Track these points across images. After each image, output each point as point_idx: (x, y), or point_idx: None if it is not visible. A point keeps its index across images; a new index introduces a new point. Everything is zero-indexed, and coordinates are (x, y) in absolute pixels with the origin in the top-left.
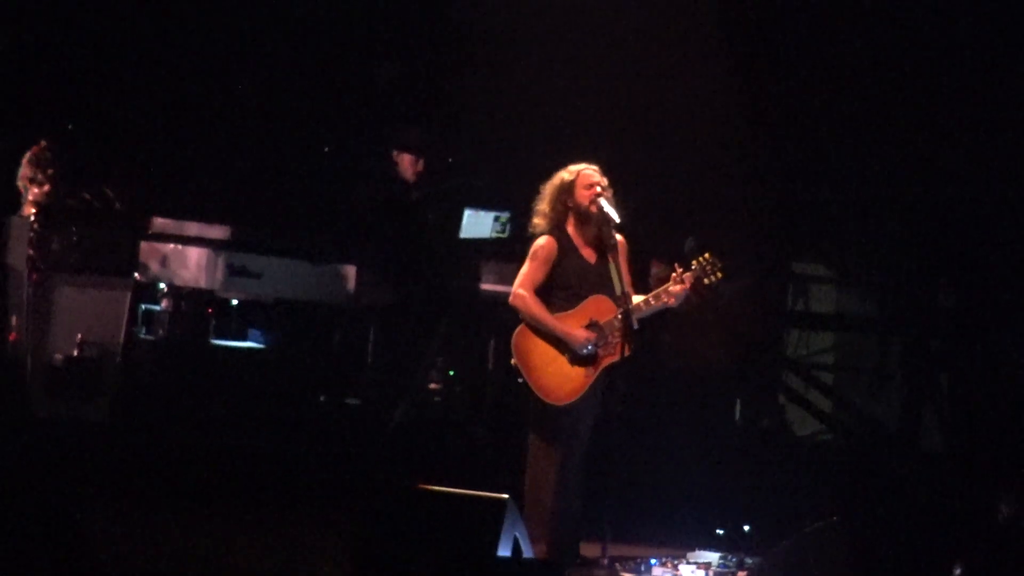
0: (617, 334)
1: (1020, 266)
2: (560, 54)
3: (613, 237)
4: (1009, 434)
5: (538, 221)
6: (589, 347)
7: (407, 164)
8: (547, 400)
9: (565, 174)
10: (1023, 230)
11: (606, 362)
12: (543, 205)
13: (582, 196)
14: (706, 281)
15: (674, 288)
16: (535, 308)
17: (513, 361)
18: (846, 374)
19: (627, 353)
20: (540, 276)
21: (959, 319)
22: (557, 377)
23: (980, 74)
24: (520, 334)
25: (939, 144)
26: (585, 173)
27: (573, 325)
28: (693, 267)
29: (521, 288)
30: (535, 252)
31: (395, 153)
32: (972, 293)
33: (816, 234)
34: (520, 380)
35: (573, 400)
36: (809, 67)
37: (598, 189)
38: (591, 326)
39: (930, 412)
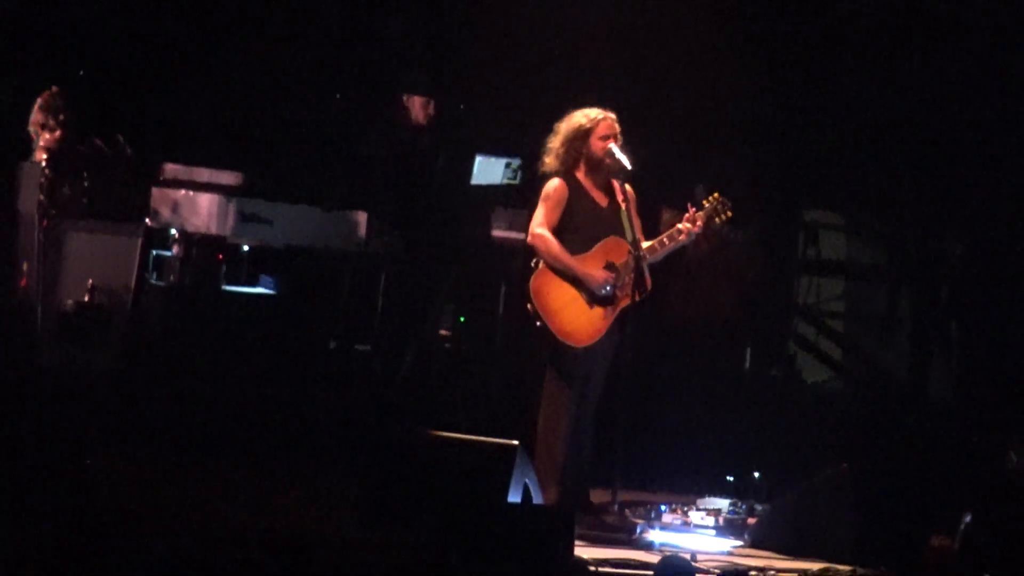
0: (632, 276)
1: None
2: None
3: (624, 185)
4: (1019, 383)
5: (549, 161)
6: (608, 288)
7: (418, 108)
8: (566, 342)
9: (583, 120)
10: None
11: (623, 304)
12: (555, 144)
13: (597, 146)
14: (717, 220)
15: (686, 227)
16: (554, 248)
17: (529, 306)
18: (856, 322)
19: (639, 298)
20: (554, 217)
21: (969, 267)
22: (576, 319)
23: (995, 19)
24: (538, 277)
25: (951, 91)
26: (605, 123)
27: (591, 266)
28: (704, 206)
29: (539, 228)
30: (548, 194)
31: (405, 97)
32: (982, 241)
33: (827, 181)
34: (538, 324)
35: (592, 342)
36: (821, 12)
37: (611, 144)
38: (608, 267)
39: (940, 360)
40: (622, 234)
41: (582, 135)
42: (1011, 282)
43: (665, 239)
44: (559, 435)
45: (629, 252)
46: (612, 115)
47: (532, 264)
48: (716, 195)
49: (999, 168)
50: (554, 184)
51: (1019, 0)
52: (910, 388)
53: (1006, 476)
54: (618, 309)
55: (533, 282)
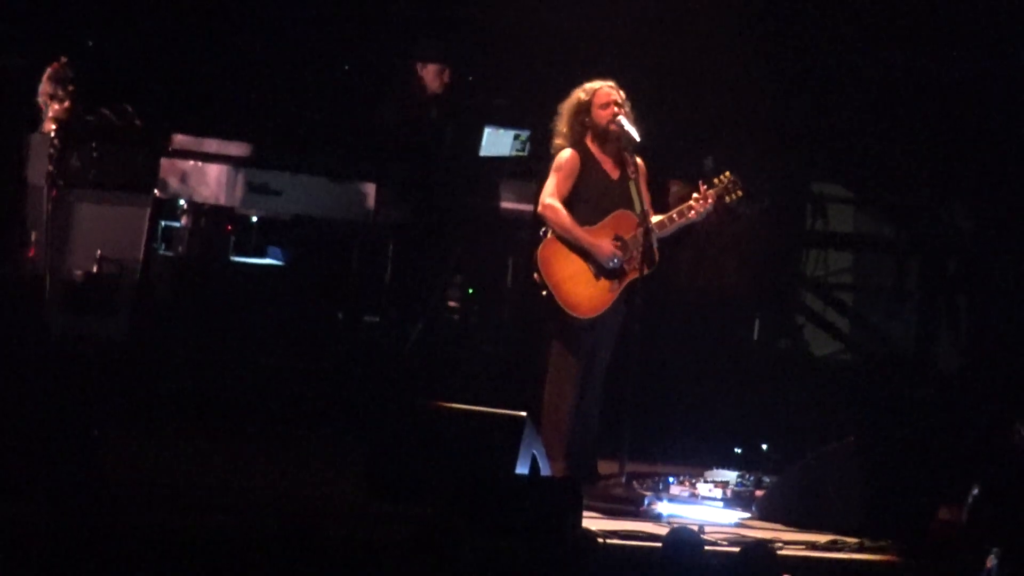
0: (640, 249)
1: None
2: None
3: (633, 157)
4: None
5: (559, 142)
6: (615, 260)
7: (432, 75)
8: (572, 313)
9: (581, 94)
10: None
11: (630, 277)
12: (561, 125)
13: (599, 116)
14: (728, 199)
15: (696, 205)
16: (564, 219)
17: (535, 276)
18: (864, 294)
19: (647, 271)
20: (565, 188)
21: (977, 239)
22: (583, 290)
23: None
24: (546, 247)
25: (961, 64)
26: (602, 92)
27: (600, 238)
28: (715, 185)
29: (550, 198)
30: (560, 164)
31: (419, 66)
32: (990, 213)
33: (835, 153)
34: (544, 293)
35: (598, 314)
36: None
37: (615, 108)
38: (617, 240)
39: (947, 333)
40: (632, 207)
41: (583, 108)
42: (1019, 255)
43: (675, 215)
44: (565, 407)
45: (638, 226)
46: (610, 83)
47: (541, 233)
48: (727, 174)
49: (1008, 141)
50: (566, 155)
51: None
52: (918, 361)
53: (1013, 449)
54: (625, 282)
55: (541, 251)
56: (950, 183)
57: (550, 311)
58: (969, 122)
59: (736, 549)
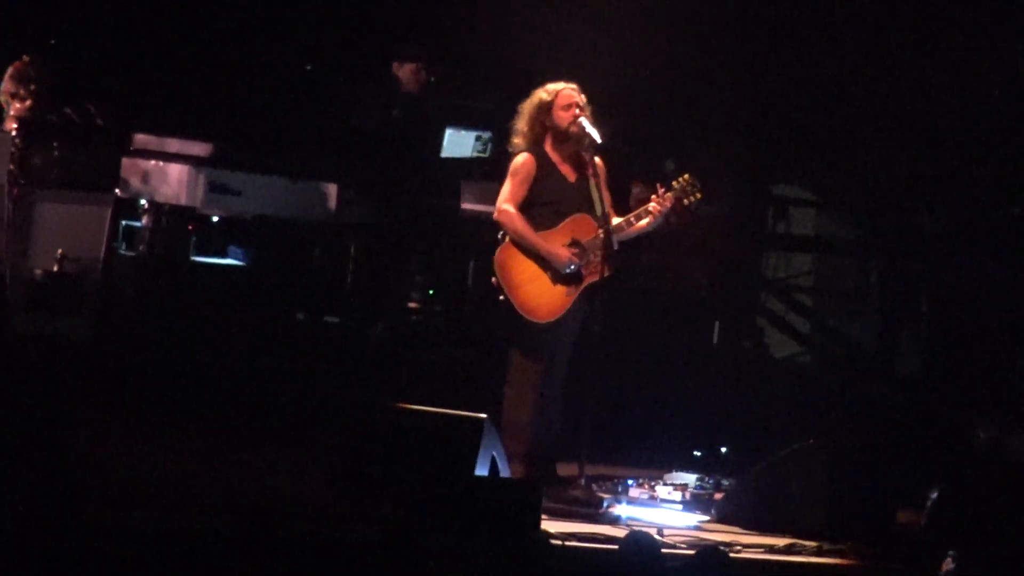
0: (599, 253)
1: (1000, 189)
2: None
3: (593, 158)
4: (987, 358)
5: (517, 141)
6: (572, 266)
7: (410, 74)
8: (528, 318)
9: (543, 94)
10: (1004, 153)
11: (588, 281)
12: (521, 124)
13: (560, 118)
14: (686, 201)
15: (654, 208)
16: (520, 224)
17: (494, 279)
18: (825, 297)
19: (607, 273)
20: (522, 193)
21: (938, 242)
22: (540, 295)
23: None
24: (503, 251)
25: (923, 65)
26: (564, 93)
27: (556, 243)
28: (673, 187)
29: (506, 204)
30: (516, 169)
31: (396, 65)
32: (951, 216)
33: (796, 156)
34: (501, 298)
35: (555, 318)
36: None
37: (577, 110)
38: (573, 245)
39: (908, 335)
40: (591, 209)
41: (544, 109)
42: (980, 256)
43: (633, 218)
44: (525, 409)
45: (597, 229)
46: (572, 85)
47: (499, 236)
48: (686, 176)
49: (970, 142)
50: (522, 158)
51: None
52: (878, 363)
53: (974, 451)
54: (582, 286)
55: (498, 256)
56: (911, 185)
57: (508, 315)
58: (930, 124)
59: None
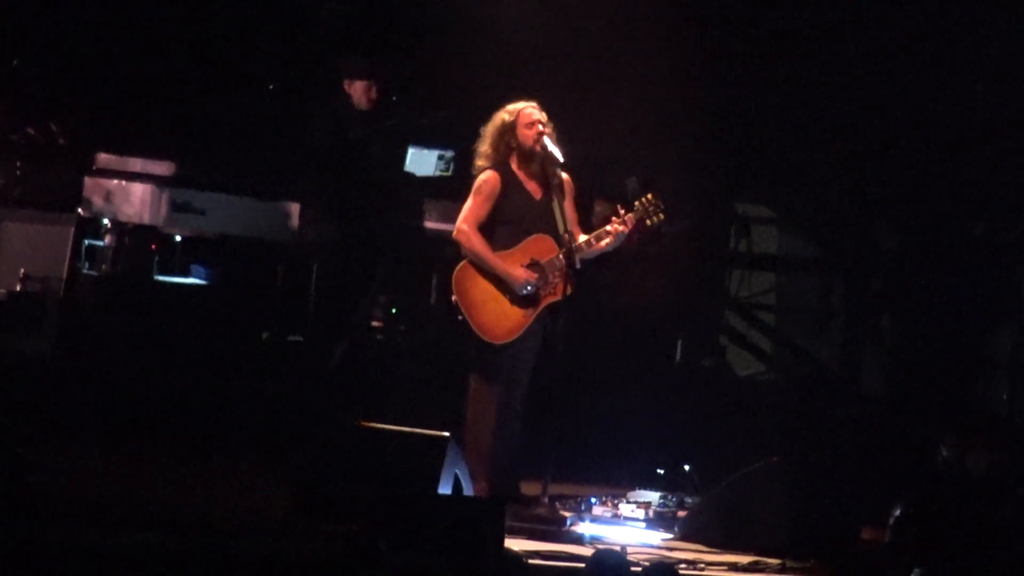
0: (558, 274)
1: (961, 208)
2: None
3: (558, 175)
4: (949, 376)
5: (481, 163)
6: (529, 287)
7: (360, 92)
8: (486, 338)
9: (505, 115)
10: (964, 171)
11: (547, 302)
12: (484, 147)
13: (524, 136)
14: (648, 222)
15: (616, 229)
16: (477, 245)
17: (453, 298)
18: (788, 315)
19: (568, 292)
20: (483, 212)
21: (900, 260)
22: (497, 316)
23: (922, 12)
24: (461, 271)
25: (882, 84)
26: (525, 112)
27: (514, 264)
28: (636, 208)
29: (464, 223)
30: (479, 187)
31: (347, 83)
32: (913, 234)
33: (758, 174)
34: (460, 318)
35: (511, 339)
36: (750, 6)
37: (540, 127)
38: (532, 266)
39: (871, 353)
40: (554, 227)
41: (508, 128)
42: (942, 275)
43: (593, 239)
44: (486, 429)
45: (556, 250)
46: (532, 103)
47: (463, 253)
48: (650, 196)
49: (931, 161)
50: (485, 176)
51: None
52: (842, 381)
53: (936, 469)
54: (541, 307)
55: (456, 275)
56: (874, 203)
57: (467, 335)
58: (892, 141)
59: None
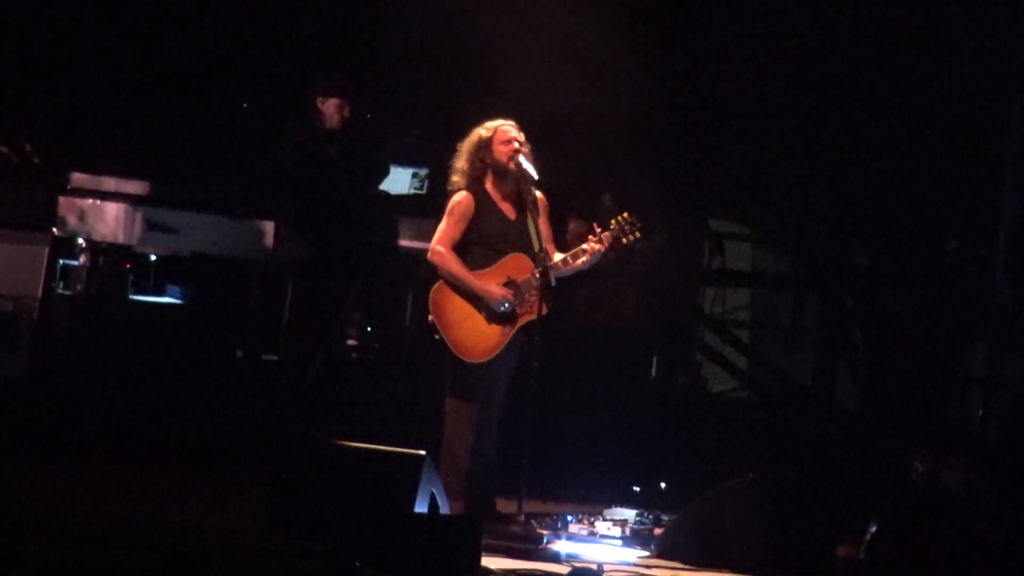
0: (534, 292)
1: (934, 223)
2: (478, 8)
3: (532, 193)
4: (923, 391)
5: (456, 179)
6: (506, 305)
7: (333, 110)
8: (463, 357)
9: (482, 131)
10: (937, 187)
11: (523, 320)
12: (460, 162)
13: (500, 153)
14: (624, 240)
15: (592, 247)
16: (453, 265)
17: (430, 317)
18: (762, 331)
19: (544, 311)
20: (457, 232)
21: (873, 276)
22: (473, 334)
23: (896, 29)
24: (437, 291)
25: (855, 100)
26: (502, 129)
27: (490, 283)
28: (611, 226)
29: (439, 244)
30: (452, 208)
31: (319, 100)
32: (886, 250)
33: (732, 191)
34: (436, 337)
35: (489, 357)
36: (722, 22)
37: (516, 145)
38: (509, 284)
39: (845, 369)
40: (528, 247)
41: (484, 144)
42: (915, 290)
43: (569, 258)
44: (462, 447)
45: (532, 269)
46: (511, 121)
47: (437, 272)
48: (625, 215)
49: (903, 177)
50: (459, 198)
51: (922, 6)
52: (816, 397)
53: (912, 484)
54: (518, 325)
55: (432, 295)
56: (846, 219)
57: (444, 353)
58: (864, 157)
59: None
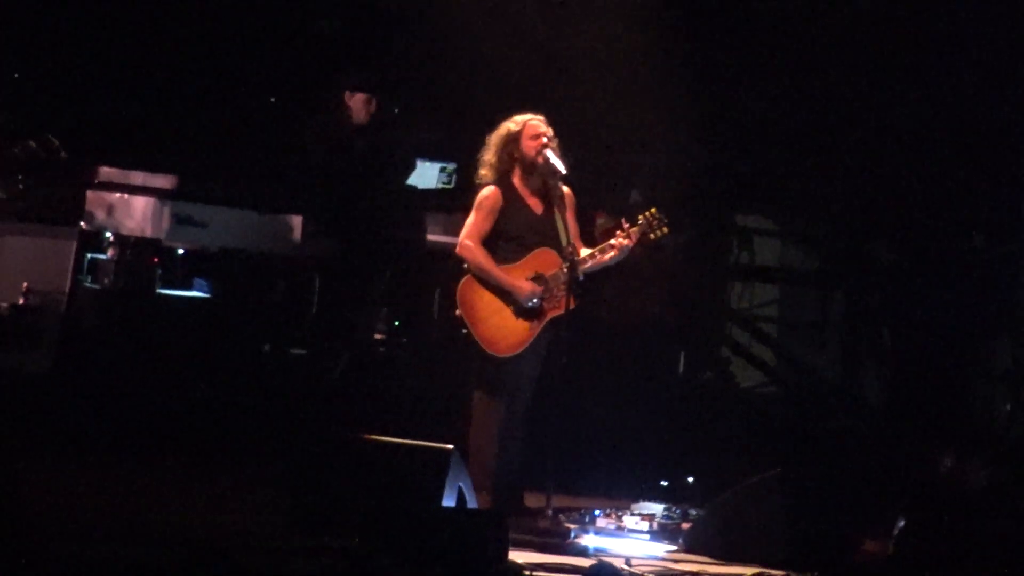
0: (562, 287)
1: (960, 219)
2: (506, 3)
3: (559, 188)
4: (948, 388)
5: (484, 172)
6: (534, 300)
7: (360, 104)
8: (490, 351)
9: (511, 124)
10: (963, 183)
11: (551, 315)
12: (489, 156)
13: (528, 147)
14: (652, 236)
15: (620, 243)
16: (481, 259)
17: (457, 312)
18: (789, 327)
19: (572, 306)
20: (486, 227)
21: (899, 273)
22: (501, 329)
23: (919, 24)
24: (465, 285)
25: (882, 96)
26: (531, 124)
27: (519, 277)
28: (639, 222)
29: (467, 239)
30: (480, 202)
31: (347, 95)
32: (912, 247)
33: (760, 187)
34: (464, 331)
35: (516, 352)
36: (750, 19)
37: (544, 140)
38: (537, 279)
39: (871, 365)
40: (556, 242)
41: (512, 138)
42: (940, 287)
43: (597, 253)
44: (489, 441)
45: (560, 264)
46: (539, 116)
47: (465, 266)
48: (653, 210)
49: (929, 174)
50: (487, 192)
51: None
52: (842, 392)
53: (938, 480)
54: (545, 320)
55: (460, 289)
56: (873, 215)
57: (471, 348)
58: (891, 153)
59: None
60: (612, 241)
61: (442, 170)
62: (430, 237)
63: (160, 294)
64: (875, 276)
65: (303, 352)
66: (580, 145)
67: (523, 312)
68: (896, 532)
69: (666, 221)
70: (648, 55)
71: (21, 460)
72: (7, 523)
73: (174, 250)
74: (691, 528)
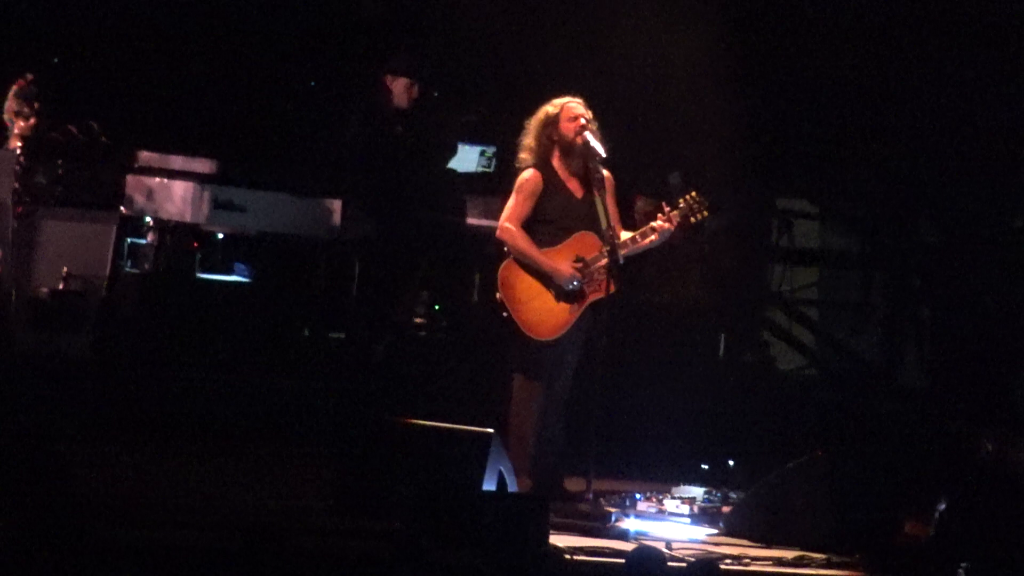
0: (603, 270)
1: (1001, 201)
2: None
3: (599, 171)
4: (990, 370)
5: (524, 156)
6: (575, 283)
7: (401, 89)
8: (531, 335)
9: (549, 108)
10: (1004, 164)
11: (591, 298)
12: (528, 139)
13: (567, 129)
14: (692, 219)
15: (660, 226)
16: (522, 242)
17: (498, 295)
18: (830, 309)
19: (612, 290)
20: (526, 210)
21: (941, 255)
22: (542, 312)
23: (964, 6)
24: (506, 268)
25: (923, 79)
26: (569, 106)
27: (559, 261)
28: (680, 205)
29: (508, 222)
30: (520, 185)
31: (388, 79)
32: (954, 228)
33: (800, 170)
34: (504, 314)
35: (557, 336)
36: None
37: (583, 122)
38: (577, 262)
39: (912, 347)
40: (596, 225)
41: (551, 121)
42: (982, 269)
43: (638, 236)
44: (528, 425)
45: (601, 247)
46: (578, 99)
47: (505, 250)
48: (693, 194)
49: (971, 155)
50: (527, 175)
51: None
52: (883, 375)
53: (980, 463)
54: (586, 303)
55: (501, 272)
56: (913, 198)
57: (511, 331)
58: (932, 135)
59: None
60: (653, 224)
61: (482, 154)
62: (470, 220)
63: (200, 279)
64: (916, 257)
65: (343, 336)
66: (620, 129)
67: (564, 295)
68: (937, 515)
69: (707, 205)
70: (689, 38)
71: (65, 444)
72: (54, 507)
73: (214, 234)
74: (732, 511)
